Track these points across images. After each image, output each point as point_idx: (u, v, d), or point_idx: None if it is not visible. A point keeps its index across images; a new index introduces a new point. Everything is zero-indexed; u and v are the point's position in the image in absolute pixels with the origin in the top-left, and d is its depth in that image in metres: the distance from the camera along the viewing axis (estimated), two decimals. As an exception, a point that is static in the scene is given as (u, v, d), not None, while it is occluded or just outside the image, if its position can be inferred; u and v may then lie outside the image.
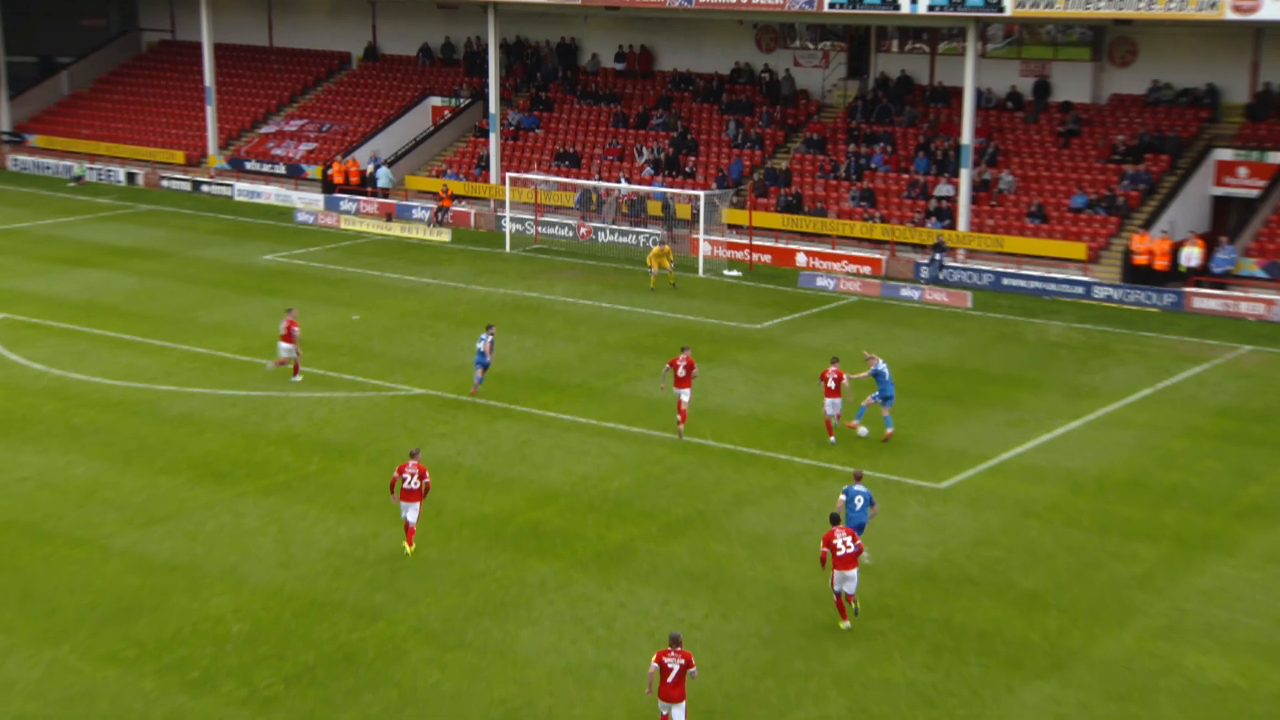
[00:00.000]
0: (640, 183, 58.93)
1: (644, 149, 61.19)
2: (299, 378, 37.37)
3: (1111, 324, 45.26)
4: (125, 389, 36.82)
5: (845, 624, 23.93)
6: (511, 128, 65.17)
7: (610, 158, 61.71)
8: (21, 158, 74.51)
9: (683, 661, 20.01)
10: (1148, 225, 50.42)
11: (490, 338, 35.99)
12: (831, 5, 51.80)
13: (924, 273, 50.76)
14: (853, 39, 62.02)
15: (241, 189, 66.96)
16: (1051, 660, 23.07)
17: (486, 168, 63.09)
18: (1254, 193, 51.05)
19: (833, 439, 33.03)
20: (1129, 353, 41.90)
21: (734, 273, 52.10)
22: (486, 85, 63.78)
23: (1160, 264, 48.68)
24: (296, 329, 37.28)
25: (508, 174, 58.77)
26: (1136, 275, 48.76)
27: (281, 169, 67.98)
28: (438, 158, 66.95)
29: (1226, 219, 52.03)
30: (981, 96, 56.04)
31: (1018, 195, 53.80)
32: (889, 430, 33.21)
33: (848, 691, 22.04)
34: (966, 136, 52.31)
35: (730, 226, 55.56)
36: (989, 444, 33.30)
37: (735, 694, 21.89)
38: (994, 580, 25.92)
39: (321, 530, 27.73)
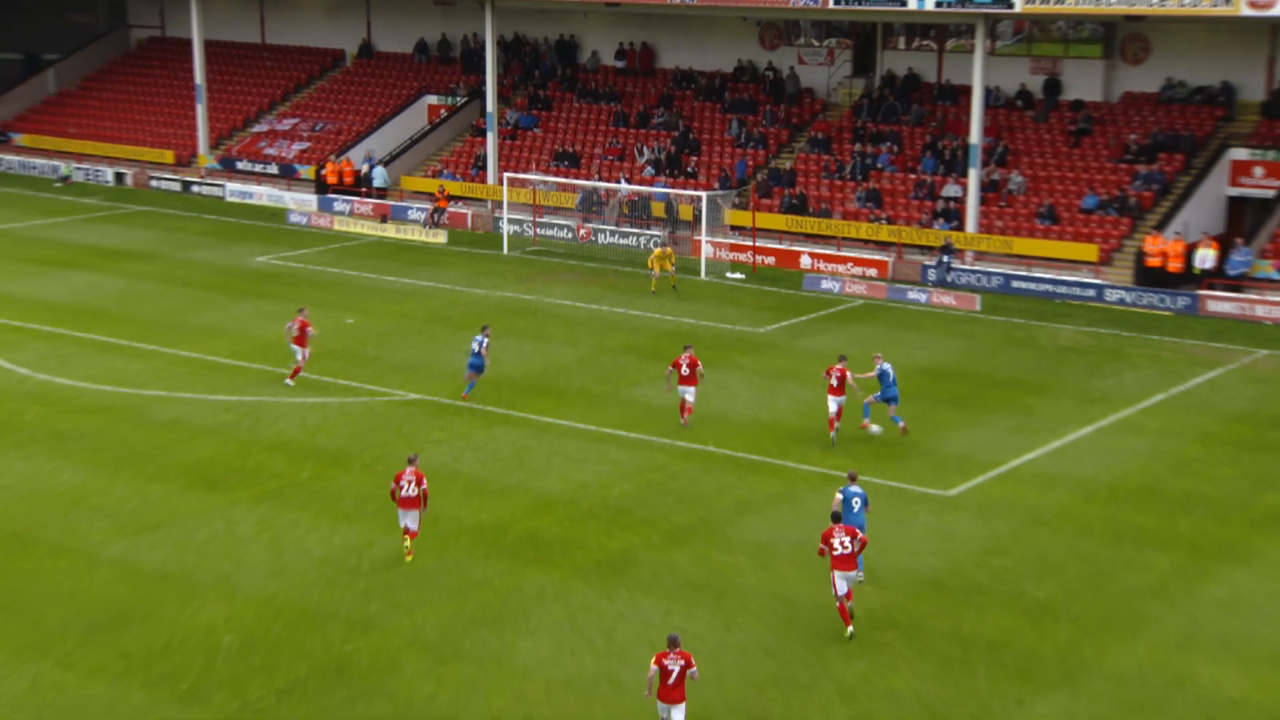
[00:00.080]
0: (641, 183, 58.96)
1: (645, 148, 61.23)
2: (292, 382, 37.34)
3: (1124, 328, 45.26)
4: (113, 394, 36.81)
5: (849, 631, 23.93)
6: (509, 127, 65.21)
7: (610, 158, 61.74)
8: (7, 157, 74.53)
9: (682, 663, 20.08)
10: (1161, 226, 50.43)
11: (485, 340, 36.11)
12: (837, 1, 51.85)
13: (931, 275, 50.76)
14: (859, 36, 62.04)
15: (233, 189, 66.99)
16: (1063, 672, 23.05)
17: (484, 168, 63.13)
18: (1270, 193, 51.08)
19: (833, 434, 33.29)
20: (1142, 357, 41.89)
21: (737, 275, 52.12)
22: (484, 83, 63.81)
23: (1174, 266, 48.69)
24: (311, 330, 37.39)
25: (505, 174, 58.80)
26: (1149, 278, 48.77)
27: (274, 169, 68.03)
28: (434, 157, 66.99)
29: (1242, 220, 52.04)
30: (990, 95, 56.04)
31: (1027, 196, 53.82)
32: (901, 426, 33.54)
33: (853, 704, 22.02)
34: (975, 136, 52.32)
35: (733, 228, 55.58)
36: (998, 450, 33.29)
37: (738, 706, 21.88)
38: (1003, 590, 25.91)
39: (315, 539, 27.72)
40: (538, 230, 57.70)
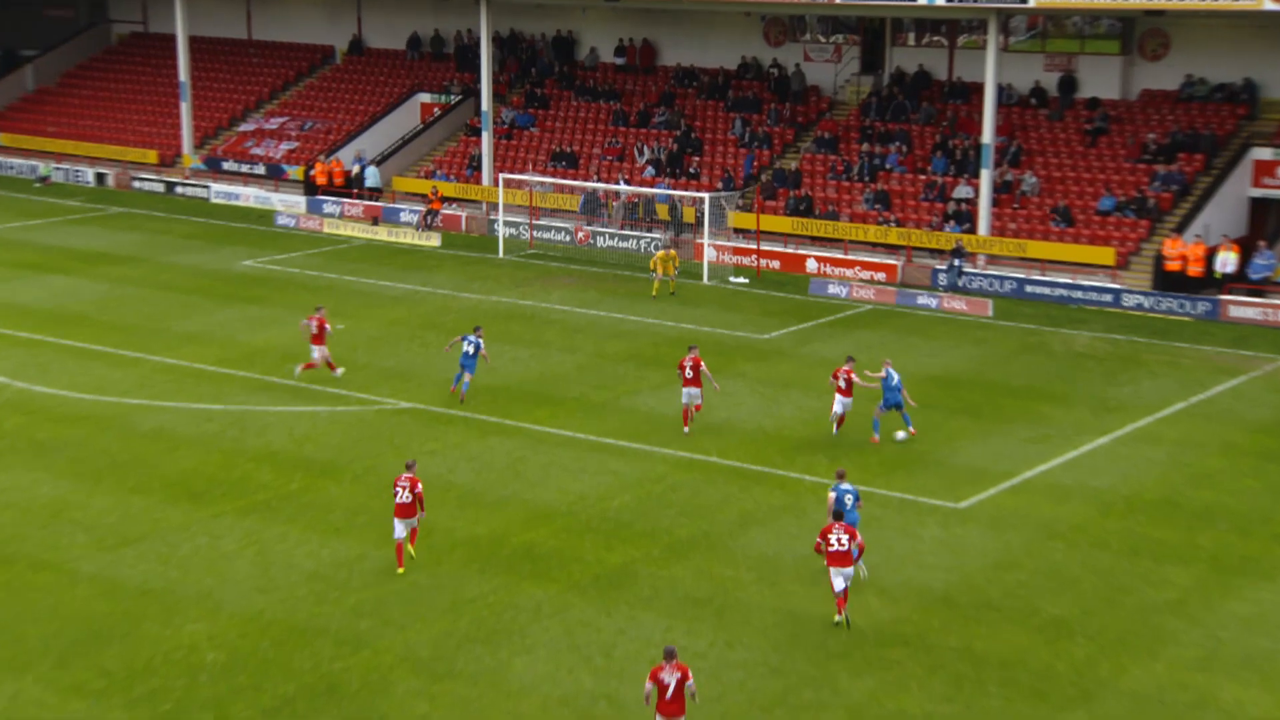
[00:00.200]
0: (641, 184, 58.99)
1: (645, 147, 61.28)
2: (340, 371, 38.36)
3: (1142, 334, 45.28)
4: (94, 403, 36.83)
5: (839, 618, 24.60)
6: (505, 126, 65.25)
7: (610, 158, 61.79)
8: (-15, 157, 74.65)
9: (679, 675, 20.10)
10: (1181, 229, 50.45)
11: (479, 340, 36.52)
12: (844, -4, 51.96)
13: (942, 279, 50.79)
14: (867, 32, 62.10)
15: (218, 190, 67.04)
16: (1079, 691, 23.04)
17: (478, 168, 63.17)
18: (1293, 194, 51.18)
19: (835, 432, 34.20)
20: (1160, 364, 41.90)
21: (741, 279, 52.15)
22: (478, 81, 63.84)
23: (1194, 270, 48.71)
24: (329, 327, 38.07)
25: (501, 175, 58.83)
26: (1168, 282, 48.78)
27: (261, 169, 68.07)
28: (427, 158, 67.03)
29: (1265, 222, 52.07)
30: (1003, 93, 56.10)
31: (1042, 197, 53.85)
32: (910, 430, 34.18)
33: (862, 724, 22.05)
34: (987, 135, 52.36)
35: (736, 231, 55.61)
36: (1011, 461, 33.30)
37: (742, 727, 21.90)
38: (1017, 606, 25.91)
39: (303, 553, 27.72)
40: (534, 233, 57.74)
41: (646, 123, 63.24)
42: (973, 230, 52.79)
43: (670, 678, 20.07)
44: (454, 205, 61.94)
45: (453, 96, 68.44)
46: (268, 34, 77.86)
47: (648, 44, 66.85)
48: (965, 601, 26.03)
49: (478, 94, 64.49)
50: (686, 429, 34.72)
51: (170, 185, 68.49)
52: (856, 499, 26.61)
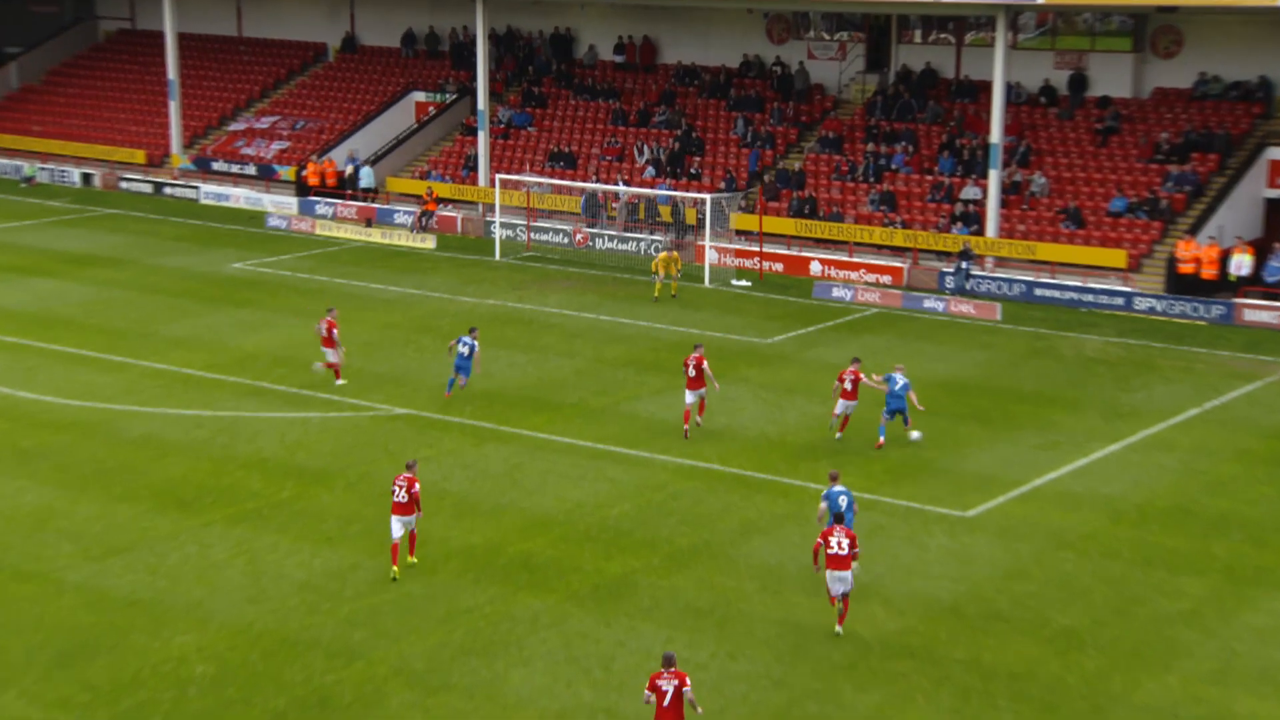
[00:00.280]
0: (641, 185, 58.99)
1: (645, 146, 61.29)
2: (342, 381, 38.40)
3: (1154, 338, 45.27)
4: (80, 409, 36.82)
5: (838, 629, 24.76)
6: (501, 125, 65.27)
7: (609, 158, 61.80)
8: (-32, 157, 74.67)
9: (676, 683, 20.19)
10: (1194, 231, 50.45)
11: (474, 342, 36.84)
12: (849, -8, 51.97)
13: (949, 282, 50.78)
14: (872, 29, 62.13)
15: (208, 191, 67.04)
16: (1090, 705, 23.01)
17: (474, 169, 63.18)
18: (1310, 195, 51.21)
19: (839, 435, 34.48)
20: (1174, 369, 41.89)
21: (743, 282, 52.15)
22: (474, 79, 63.88)
23: (1208, 273, 48.72)
24: (336, 330, 38.32)
25: (497, 175, 58.83)
26: (1182, 285, 48.78)
27: (251, 170, 68.08)
28: (421, 158, 67.05)
29: (1280, 224, 52.15)
30: (1012, 91, 56.11)
31: (1051, 198, 53.86)
32: (881, 439, 34.24)
33: (867, 738, 22.04)
34: (996, 135, 52.36)
35: (739, 232, 55.60)
36: (1020, 468, 33.29)
37: (745, 741, 21.88)
38: (1026, 617, 25.89)
39: (294, 562, 27.70)
40: (532, 235, 57.74)
41: (646, 122, 63.25)
42: (981, 232, 52.79)
43: (668, 685, 20.16)
44: (449, 206, 61.94)
45: (448, 95, 68.45)
46: (258, 31, 77.89)
47: (648, 41, 66.87)
48: (973, 612, 26.00)
49: (474, 92, 64.52)
50: (686, 431, 34.82)
51: (158, 186, 68.49)
52: (851, 502, 26.74)
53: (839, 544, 24.70)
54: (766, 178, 58.19)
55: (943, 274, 51.22)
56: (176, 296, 48.87)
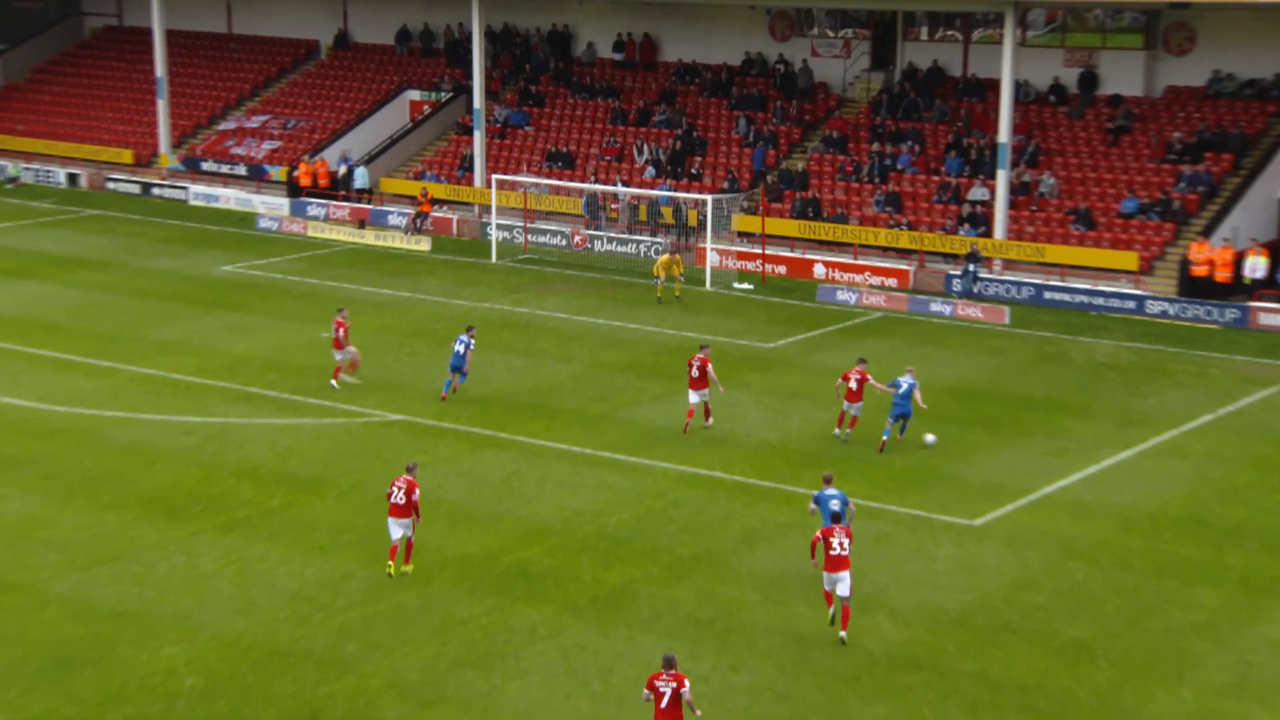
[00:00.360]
0: (641, 185, 59.00)
1: (644, 146, 61.30)
2: (336, 384, 38.66)
3: (1167, 342, 45.28)
4: (66, 415, 36.81)
5: (831, 611, 25.24)
6: (498, 125, 65.30)
7: (608, 158, 61.83)
8: (-49, 157, 74.70)
9: (675, 685, 20.33)
10: (1207, 232, 50.47)
11: (470, 340, 37.27)
12: (854, -12, 52.01)
13: (956, 285, 50.80)
14: (877, 26, 62.17)
15: (197, 192, 67.05)
16: (1101, 719, 23.00)
17: (470, 169, 63.20)
18: (1325, 196, 51.22)
19: (841, 433, 35.09)
20: (1186, 375, 41.90)
21: (745, 285, 52.16)
22: (470, 77, 63.91)
23: (1221, 275, 48.73)
24: (342, 330, 38.56)
25: (494, 176, 58.85)
26: (1195, 288, 48.80)
27: (242, 170, 68.11)
28: (416, 158, 67.08)
29: (1295, 225, 52.15)
30: (1021, 89, 56.14)
31: (1061, 199, 53.88)
32: (894, 436, 34.61)
33: (873, 753, 22.03)
34: (1004, 134, 52.39)
35: (740, 234, 55.60)
36: (1029, 476, 33.29)
37: (747, 755, 21.88)
38: (1036, 628, 25.88)
39: (285, 572, 27.70)
40: (529, 237, 57.76)
41: (646, 121, 63.28)
42: (988, 234, 52.80)
43: (666, 687, 20.32)
44: (444, 208, 61.95)
45: (443, 94, 68.48)
46: (249, 28, 77.93)
47: (648, 39, 66.90)
48: (981, 623, 26.00)
49: (469, 91, 64.55)
50: (686, 425, 35.35)
51: (146, 186, 68.50)
52: (845, 505, 27.02)
53: (840, 544, 24.99)
54: (769, 178, 58.21)
55: (949, 277, 51.23)
56: (165, 300, 48.87)
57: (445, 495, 31.52)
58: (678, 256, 50.02)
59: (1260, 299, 47.81)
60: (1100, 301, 49.05)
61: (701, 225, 54.88)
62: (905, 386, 34.44)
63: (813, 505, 27.52)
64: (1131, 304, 48.62)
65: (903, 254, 53.49)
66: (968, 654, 24.87)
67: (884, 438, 34.66)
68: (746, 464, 33.79)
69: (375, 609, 26.16)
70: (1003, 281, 50.68)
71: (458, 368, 37.53)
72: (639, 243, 56.05)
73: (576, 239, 57.08)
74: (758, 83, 63.34)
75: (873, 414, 35.61)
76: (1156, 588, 27.60)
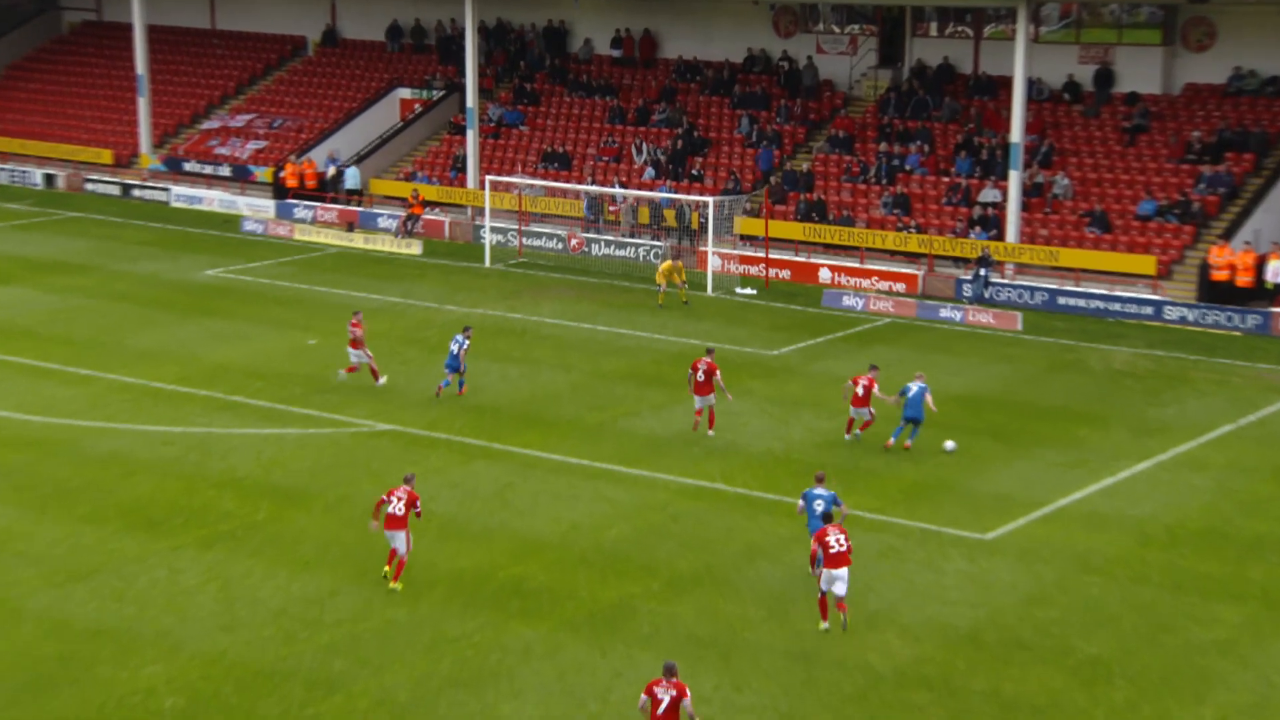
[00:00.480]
0: (640, 187, 59.04)
1: (643, 144, 61.33)
2: (383, 380, 39.32)
3: (1186, 349, 45.29)
4: (42, 425, 36.80)
5: (824, 625, 25.53)
6: (492, 124, 65.34)
7: (605, 159, 61.87)
8: (-76, 158, 74.72)
9: (674, 693, 20.43)
10: (1228, 235, 50.50)
11: (466, 341, 37.91)
12: (861, -18, 52.07)
13: (967, 290, 50.82)
14: (885, 22, 62.25)
15: (179, 194, 67.08)
16: (1118, 739, 23.04)
17: (463, 170, 63.24)
18: (1350, 198, 51.23)
19: (848, 436, 35.58)
20: (1206, 383, 41.91)
21: (747, 290, 52.18)
22: (463, 75, 63.96)
23: (1243, 280, 48.75)
24: (359, 330, 39.13)
25: (487, 177, 58.90)
26: (1215, 293, 48.82)
27: (226, 170, 68.15)
28: (407, 158, 67.12)
29: (1319, 228, 52.16)
30: (1034, 87, 56.19)
31: (1076, 201, 53.92)
32: (904, 442, 35.03)
33: (881, 775, 22.03)
34: (1016, 134, 52.42)
35: (743, 237, 55.63)
36: (1043, 488, 33.29)
37: (750, 778, 21.86)
38: (1050, 646, 25.87)
39: (270, 588, 27.68)
40: (524, 240, 57.78)
41: (645, 120, 63.33)
42: (1000, 237, 52.82)
43: (665, 694, 20.45)
44: (436, 210, 61.97)
45: (435, 92, 68.54)
46: (233, 23, 77.99)
47: (647, 35, 66.97)
48: (994, 640, 25.99)
49: (462, 89, 64.58)
50: (696, 423, 36.15)
51: (126, 188, 68.53)
52: (834, 505, 27.29)
53: (837, 541, 25.55)
54: (773, 179, 58.24)
55: (960, 281, 51.24)
56: (145, 305, 48.87)
57: (436, 508, 31.47)
58: (679, 263, 50.04)
59: (1283, 304, 47.88)
60: (1117, 307, 49.06)
61: (703, 228, 54.90)
62: (915, 390, 34.56)
63: (801, 503, 27.94)
64: (1149, 310, 48.64)
65: (911, 258, 53.52)
66: (979, 672, 24.85)
67: (891, 440, 34.97)
68: (749, 475, 33.78)
69: (363, 626, 26.13)
70: (1015, 286, 50.69)
71: (454, 368, 38.02)
72: (638, 246, 56.06)
73: (573, 242, 57.10)
74: (761, 80, 63.40)
75: (884, 424, 35.67)
76: (1175, 604, 27.58)
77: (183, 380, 40.45)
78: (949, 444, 34.83)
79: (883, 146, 58.32)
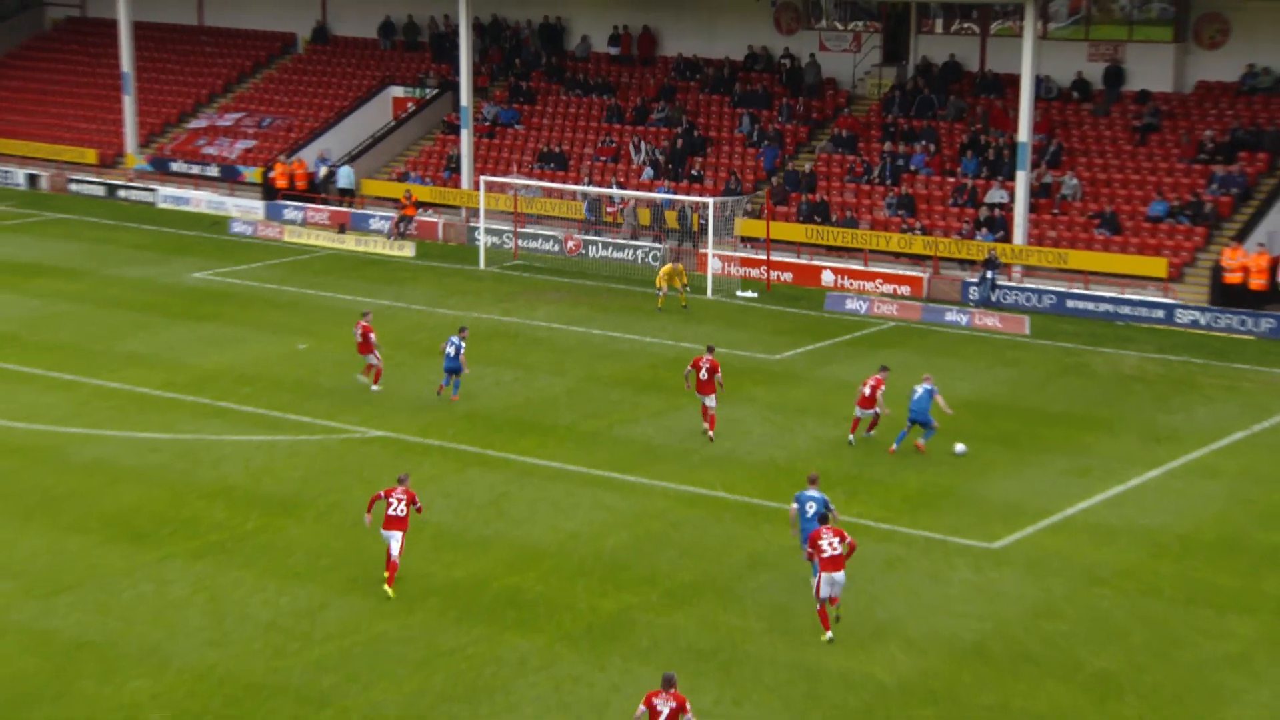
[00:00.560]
0: (639, 187, 59.04)
1: (641, 143, 61.33)
2: (378, 387, 39.45)
3: (1197, 354, 45.30)
4: (25, 431, 36.78)
5: (827, 635, 25.66)
6: (486, 123, 65.36)
7: (603, 159, 61.88)
8: (-95, 158, 74.71)
9: (674, 704, 20.49)
10: (1241, 237, 50.53)
11: (461, 342, 38.24)
12: (864, -23, 52.12)
13: (973, 294, 50.84)
14: (889, 18, 62.28)
15: (166, 194, 67.10)
16: (1128, 755, 23.03)
17: (457, 170, 63.25)
18: (1366, 199, 51.26)
19: (851, 439, 35.73)
20: (1219, 388, 41.91)
21: (749, 294, 52.20)
22: (457, 73, 63.97)
23: (1256, 283, 48.77)
24: (373, 334, 39.47)
25: (482, 178, 58.91)
26: (1228, 296, 48.84)
27: (214, 171, 68.16)
28: (399, 158, 67.14)
29: (1334, 230, 52.21)
30: (1042, 85, 56.21)
31: (1085, 202, 53.94)
32: (916, 440, 35.39)
33: (885, 792, 22.01)
34: (1024, 133, 52.44)
35: (744, 239, 55.63)
36: (1050, 497, 33.28)
37: (751, 795, 21.85)
38: (1058, 659, 25.86)
39: (259, 601, 27.65)
40: (519, 242, 57.79)
41: (644, 120, 63.34)
42: (1007, 239, 52.84)
43: (664, 705, 20.50)
44: (429, 211, 61.99)
45: (428, 90, 68.56)
46: (221, 20, 78.01)
47: (646, 32, 67.00)
48: (1001, 653, 25.98)
49: (456, 87, 64.61)
50: (710, 432, 36.37)
51: (112, 188, 68.54)
52: (826, 507, 27.44)
53: (830, 544, 25.75)
54: (774, 180, 58.26)
55: (966, 284, 51.27)
56: (131, 309, 48.86)
57: (430, 517, 31.42)
58: (679, 266, 50.05)
59: (1297, 308, 47.92)
60: (1126, 311, 49.08)
61: (703, 230, 54.92)
62: (920, 393, 34.83)
63: (794, 505, 28.06)
64: (1160, 313, 48.65)
65: (916, 260, 53.54)
66: (986, 686, 24.84)
67: (895, 445, 35.16)
68: (750, 483, 33.77)
69: (355, 640, 26.10)
70: (1022, 289, 50.72)
71: (455, 369, 38.36)
72: (635, 248, 56.07)
73: (570, 244, 57.10)
74: (762, 79, 63.43)
75: (888, 428, 35.68)
76: (1187, 617, 27.57)
77: (170, 386, 40.44)
78: (959, 447, 34.97)
79: (887, 146, 58.35)
